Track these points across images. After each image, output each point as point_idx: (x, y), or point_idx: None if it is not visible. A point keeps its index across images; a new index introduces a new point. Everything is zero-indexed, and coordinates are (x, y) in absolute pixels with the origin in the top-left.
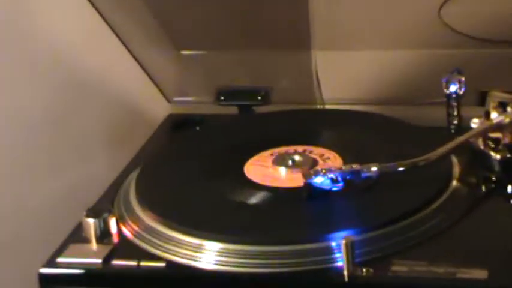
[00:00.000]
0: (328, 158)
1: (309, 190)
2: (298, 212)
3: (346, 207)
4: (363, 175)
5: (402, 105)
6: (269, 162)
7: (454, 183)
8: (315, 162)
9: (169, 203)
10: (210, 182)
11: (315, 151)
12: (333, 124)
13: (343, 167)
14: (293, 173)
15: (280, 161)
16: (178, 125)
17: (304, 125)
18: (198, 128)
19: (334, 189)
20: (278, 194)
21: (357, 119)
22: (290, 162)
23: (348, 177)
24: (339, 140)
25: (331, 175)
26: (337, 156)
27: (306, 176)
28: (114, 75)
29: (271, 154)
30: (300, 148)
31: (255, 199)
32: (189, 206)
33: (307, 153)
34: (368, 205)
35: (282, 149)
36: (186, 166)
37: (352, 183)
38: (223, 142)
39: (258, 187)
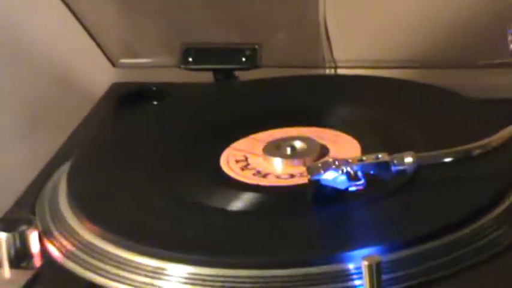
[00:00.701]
0: (343, 145)
1: (316, 191)
2: (301, 223)
3: (369, 215)
4: (393, 169)
5: (445, 69)
6: (258, 151)
7: None
8: (324, 151)
9: (116, 210)
10: (172, 181)
11: (325, 135)
12: (349, 96)
13: (365, 158)
14: (293, 166)
15: (273, 149)
16: (126, 99)
17: (309, 98)
18: (155, 103)
19: (352, 189)
20: (271, 197)
21: (383, 89)
22: (288, 150)
23: (371, 171)
24: (358, 120)
25: (348, 169)
26: (355, 142)
27: (311, 170)
28: (37, 29)
29: (261, 140)
30: (302, 131)
31: (237, 204)
32: (144, 215)
33: (312, 137)
34: (400, 212)
35: (277, 132)
36: (139, 157)
37: (378, 181)
38: (191, 123)
39: (241, 187)
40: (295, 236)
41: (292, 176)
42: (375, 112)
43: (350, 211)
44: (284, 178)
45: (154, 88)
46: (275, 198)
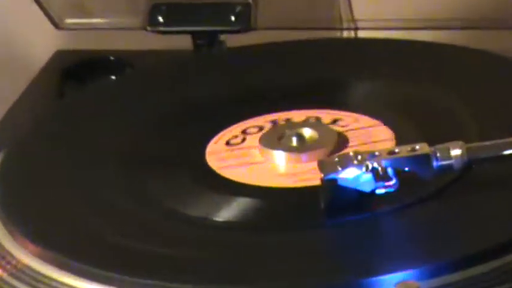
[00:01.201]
0: (369, 133)
1: (332, 195)
2: (313, 239)
3: (403, 228)
4: (436, 164)
5: (497, 31)
6: (253, 141)
7: None
8: (342, 142)
9: (62, 224)
10: (139, 181)
11: (343, 120)
12: (374, 67)
13: (397, 150)
14: (300, 161)
15: (274, 138)
16: (74, 71)
17: (321, 71)
18: (113, 77)
19: (380, 191)
20: (271, 204)
21: (419, 57)
22: (294, 141)
23: (406, 168)
24: (388, 99)
25: (374, 165)
26: (384, 128)
27: (325, 167)
28: None
29: (258, 126)
30: (313, 114)
31: (226, 213)
32: (103, 230)
33: (326, 123)
34: (444, 224)
35: (278, 117)
36: (91, 149)
37: (415, 181)
38: (161, 104)
39: (232, 188)
40: (304, 257)
41: (299, 175)
42: (409, 88)
43: (377, 222)
44: (288, 178)
45: (111, 58)
46: (276, 205)
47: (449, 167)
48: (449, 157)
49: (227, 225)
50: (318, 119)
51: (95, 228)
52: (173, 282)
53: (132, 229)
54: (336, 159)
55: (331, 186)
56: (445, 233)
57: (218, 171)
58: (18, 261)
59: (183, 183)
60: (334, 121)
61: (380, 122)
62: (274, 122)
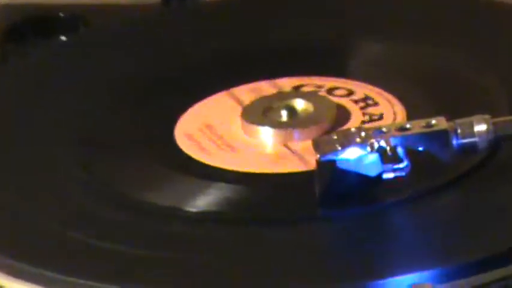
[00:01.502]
0: (375, 106)
1: (330, 180)
2: (306, 234)
3: (416, 222)
4: (456, 143)
5: None
6: (234, 116)
7: None
8: (342, 116)
9: (15, 229)
10: (95, 166)
11: (344, 90)
12: (381, 23)
13: (409, 125)
14: (291, 139)
15: (260, 112)
16: (15, 31)
17: (317, 28)
18: (63, 38)
19: (389, 176)
20: (256, 191)
21: (437, 11)
22: (284, 115)
23: (420, 147)
24: (399, 66)
25: (382, 143)
26: (394, 100)
27: (321, 146)
28: None
29: (239, 97)
30: (307, 83)
31: (201, 202)
32: (49, 224)
33: (323, 94)
34: (464, 217)
35: (265, 86)
36: (38, 127)
37: (431, 163)
38: (125, 70)
39: (207, 174)
40: (292, 257)
41: (289, 157)
42: (425, 51)
43: (385, 215)
44: (276, 161)
45: (61, 14)
46: (262, 194)
47: (472, 147)
48: (473, 134)
49: (200, 218)
50: (313, 88)
51: (40, 223)
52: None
53: (83, 223)
54: (335, 136)
55: (328, 169)
56: (467, 228)
57: (190, 152)
58: None
59: (146, 167)
60: (333, 90)
61: (389, 92)
62: (261, 92)
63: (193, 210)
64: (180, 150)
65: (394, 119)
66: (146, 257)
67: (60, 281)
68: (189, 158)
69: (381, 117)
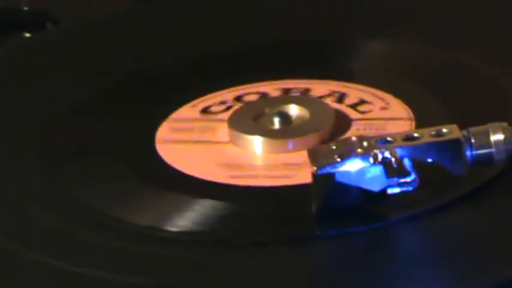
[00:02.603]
0: (380, 113)
1: (327, 194)
2: (301, 256)
3: (424, 243)
4: (470, 154)
5: None
6: (221, 123)
7: None
8: (342, 124)
9: None
10: (61, 178)
11: (345, 95)
12: (391, 26)
13: (417, 134)
14: (284, 150)
15: (249, 119)
16: None
17: (320, 29)
18: (27, 35)
19: (394, 191)
20: (246, 208)
21: (450, 9)
22: (276, 122)
23: (428, 159)
24: (407, 68)
25: (386, 154)
26: (402, 106)
27: (318, 157)
28: None
29: (226, 103)
30: (302, 86)
31: (181, 221)
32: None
33: (321, 99)
34: (480, 237)
35: (255, 89)
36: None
37: (442, 177)
38: (97, 72)
39: (190, 188)
40: (296, 282)
41: (282, 169)
42: (435, 52)
43: (390, 235)
44: (268, 173)
45: (25, 8)
46: (252, 211)
47: (488, 158)
48: (489, 144)
49: (180, 238)
50: (308, 94)
51: None
52: None
53: (46, 242)
54: (333, 146)
55: (326, 183)
56: (482, 250)
57: (171, 163)
58: None
59: (123, 179)
60: (332, 95)
61: (395, 97)
62: (285, 91)
63: (173, 229)
64: (160, 161)
65: (402, 127)
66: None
67: None
68: (170, 168)
69: (387, 125)
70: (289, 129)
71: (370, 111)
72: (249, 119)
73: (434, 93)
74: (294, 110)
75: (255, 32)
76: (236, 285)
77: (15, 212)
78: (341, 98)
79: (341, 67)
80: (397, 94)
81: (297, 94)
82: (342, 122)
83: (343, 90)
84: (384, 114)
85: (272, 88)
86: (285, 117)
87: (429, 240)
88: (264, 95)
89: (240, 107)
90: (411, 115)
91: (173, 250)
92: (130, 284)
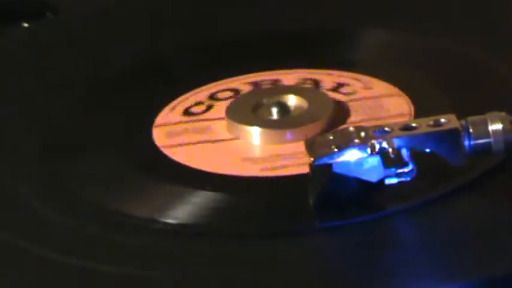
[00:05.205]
0: (378, 102)
1: (324, 185)
2: (297, 248)
3: (423, 235)
4: (468, 144)
5: None
6: (219, 113)
7: None
8: (341, 115)
9: None
10: (58, 170)
11: (349, 86)
12: (392, 14)
13: (415, 123)
14: (282, 141)
15: (247, 110)
16: None
17: (320, 17)
18: (25, 25)
19: (391, 181)
20: (243, 198)
21: None
22: (274, 112)
23: (426, 149)
24: (408, 58)
25: (384, 144)
26: (400, 96)
27: (315, 148)
28: None
29: (224, 92)
30: (300, 76)
31: (178, 212)
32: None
33: (324, 89)
34: (477, 229)
35: (253, 79)
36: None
37: (440, 168)
38: (98, 60)
39: (187, 178)
40: (293, 274)
41: (280, 159)
42: (437, 42)
43: (387, 226)
44: (266, 164)
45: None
46: (249, 202)
47: (486, 148)
48: (487, 134)
49: (176, 230)
50: (313, 83)
51: None
52: None
53: (44, 235)
54: (331, 137)
55: (323, 174)
56: (481, 241)
57: (168, 152)
58: None
59: (118, 169)
60: (330, 85)
61: (393, 85)
62: (255, 84)
63: (171, 221)
64: (157, 150)
65: (399, 117)
66: (116, 274)
67: None
68: (167, 158)
69: (387, 116)
70: (287, 121)
71: (354, 92)
72: (248, 109)
73: (436, 85)
74: (291, 101)
75: (220, 26)
76: (236, 277)
77: (15, 206)
78: (316, 84)
79: (310, 56)
80: (402, 87)
81: (268, 87)
82: (341, 112)
83: (316, 77)
84: (371, 93)
85: (242, 83)
86: (284, 108)
87: (427, 230)
88: (236, 91)
89: (238, 98)
90: (399, 91)
91: (173, 242)
92: (139, 277)
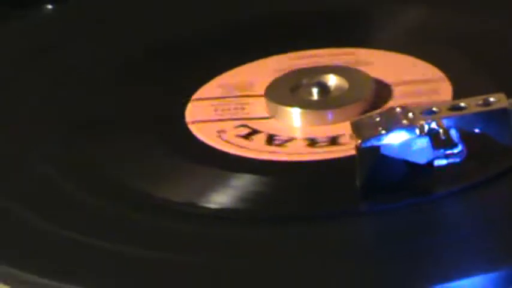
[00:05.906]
0: (422, 82)
1: (372, 168)
2: (345, 232)
3: (474, 217)
4: None
5: None
6: (256, 94)
7: None
8: (383, 94)
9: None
10: (89, 152)
11: (382, 64)
12: None
13: (464, 103)
14: (324, 122)
15: (286, 90)
16: None
17: None
18: (49, 7)
19: (441, 162)
20: (284, 182)
21: None
22: (315, 92)
23: (476, 129)
24: (449, 37)
25: (433, 125)
26: (442, 77)
27: (361, 130)
28: None
29: (261, 73)
30: (340, 55)
31: (215, 198)
32: (38, 223)
33: (360, 67)
34: None
35: (290, 59)
36: (24, 109)
37: (490, 148)
38: (124, 43)
39: (226, 163)
40: (338, 259)
41: (322, 142)
42: (481, 19)
43: (437, 209)
44: (307, 147)
45: None
46: (291, 186)
47: None
48: None
49: (217, 215)
50: (347, 63)
51: (32, 220)
52: None
53: (77, 220)
54: (377, 118)
55: (371, 157)
56: None
57: (204, 138)
58: None
59: (151, 155)
60: (370, 65)
61: (435, 66)
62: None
63: (210, 206)
64: (192, 136)
65: (445, 96)
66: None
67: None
68: (203, 145)
69: (430, 94)
70: (328, 101)
71: (416, 83)
72: (286, 89)
73: (475, 62)
74: (332, 80)
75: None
76: (278, 261)
77: (45, 188)
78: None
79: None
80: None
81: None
82: (383, 93)
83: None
84: (428, 85)
85: (290, 58)
86: (323, 88)
87: (478, 212)
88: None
89: (277, 79)
90: (451, 88)
91: (208, 226)
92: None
